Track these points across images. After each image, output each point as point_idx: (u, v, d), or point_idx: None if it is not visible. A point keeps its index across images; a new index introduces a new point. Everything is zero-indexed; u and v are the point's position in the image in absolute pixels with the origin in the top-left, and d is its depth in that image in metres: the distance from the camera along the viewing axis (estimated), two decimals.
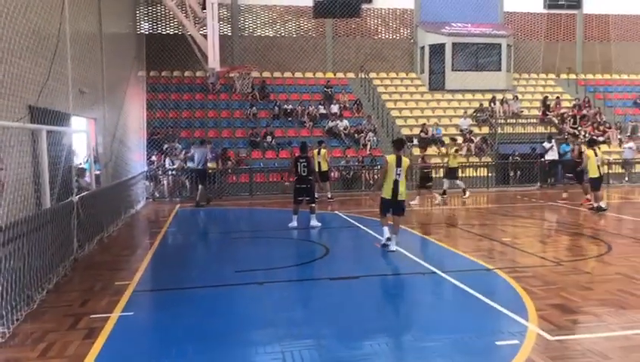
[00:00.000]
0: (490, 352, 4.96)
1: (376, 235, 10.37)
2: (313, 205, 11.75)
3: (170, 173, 18.57)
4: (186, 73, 24.48)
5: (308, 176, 11.65)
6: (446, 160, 17.63)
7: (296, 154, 12.56)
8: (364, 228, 11.55)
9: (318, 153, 16.31)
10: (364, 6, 25.26)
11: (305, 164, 11.64)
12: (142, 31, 23.07)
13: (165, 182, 18.59)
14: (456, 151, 17.55)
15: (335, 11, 22.47)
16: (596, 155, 13.84)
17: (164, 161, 18.86)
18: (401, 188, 8.84)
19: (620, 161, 21.57)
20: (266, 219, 14.37)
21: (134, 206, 15.14)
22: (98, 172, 12.22)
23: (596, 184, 13.89)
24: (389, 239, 9.10)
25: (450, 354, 4.84)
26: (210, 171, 17.64)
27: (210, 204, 16.38)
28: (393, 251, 8.89)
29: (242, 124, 22.45)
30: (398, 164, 8.80)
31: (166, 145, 19.46)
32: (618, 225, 11.95)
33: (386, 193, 8.95)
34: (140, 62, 19.19)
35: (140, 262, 8.72)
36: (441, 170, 18.50)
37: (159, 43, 23.46)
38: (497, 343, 5.08)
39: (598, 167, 13.86)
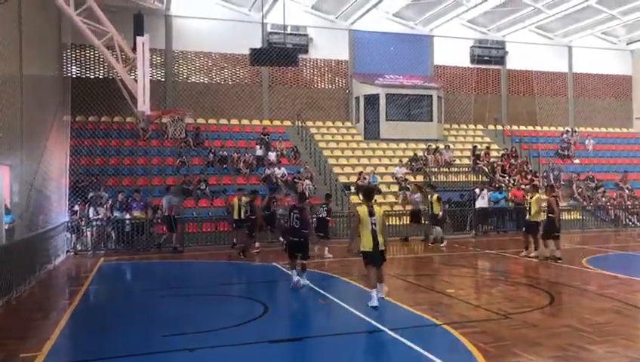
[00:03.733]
0: None
1: (318, 289, 9.84)
2: (305, 262, 10.39)
3: (94, 223, 17.28)
4: (115, 118, 23.45)
5: (302, 229, 10.31)
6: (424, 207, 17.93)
7: (292, 203, 12.06)
8: (305, 281, 10.95)
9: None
10: (301, 56, 25.45)
11: (297, 215, 10.31)
12: (69, 74, 22.03)
13: (89, 233, 17.26)
14: (438, 198, 17.63)
15: (272, 60, 22.45)
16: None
17: (88, 210, 17.57)
18: (380, 238, 8.37)
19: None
20: (199, 274, 13.45)
21: (52, 260, 13.81)
22: (8, 224, 11.01)
23: None
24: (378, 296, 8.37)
25: None
26: (137, 221, 16.92)
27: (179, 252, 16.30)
28: (383, 297, 8.44)
29: (174, 171, 21.55)
30: (371, 213, 8.36)
31: (91, 194, 18.20)
32: (556, 275, 12.01)
33: (366, 246, 8.37)
34: (65, 107, 18.13)
35: (54, 328, 7.68)
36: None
37: (87, 87, 22.49)
38: None
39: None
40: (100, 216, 17.42)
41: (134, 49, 14.22)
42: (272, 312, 8.65)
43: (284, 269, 12.63)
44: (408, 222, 19.19)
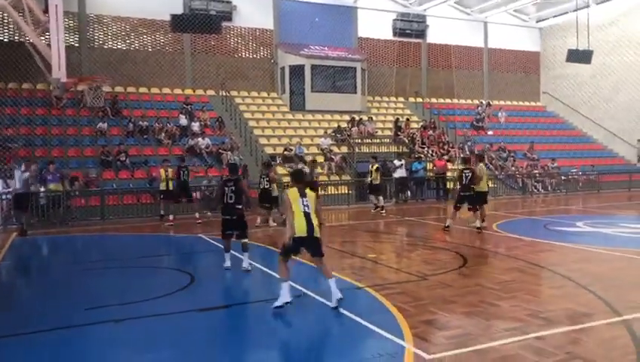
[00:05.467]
0: None
1: (242, 257, 9.90)
2: (245, 240, 9.29)
3: (4, 196, 16.29)
4: (25, 85, 21.94)
5: (236, 205, 9.12)
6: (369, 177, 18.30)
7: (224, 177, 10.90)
8: (231, 251, 11.01)
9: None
10: (225, 24, 24.84)
11: (233, 188, 9.12)
12: None
13: None
14: (377, 168, 18.09)
15: (194, 27, 21.69)
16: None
17: None
18: (315, 222, 6.98)
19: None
20: (121, 246, 13.11)
21: None
22: None
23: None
24: (287, 302, 6.91)
25: None
26: (53, 194, 16.00)
27: (26, 235, 14.17)
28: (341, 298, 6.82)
29: (91, 141, 20.61)
30: (302, 194, 7.03)
31: None
32: (470, 239, 12.81)
33: (299, 229, 6.86)
34: None
35: None
36: None
37: None
38: None
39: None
40: (10, 189, 16.41)
41: (45, 11, 13.23)
42: (199, 282, 8.69)
43: (209, 240, 12.61)
44: None
